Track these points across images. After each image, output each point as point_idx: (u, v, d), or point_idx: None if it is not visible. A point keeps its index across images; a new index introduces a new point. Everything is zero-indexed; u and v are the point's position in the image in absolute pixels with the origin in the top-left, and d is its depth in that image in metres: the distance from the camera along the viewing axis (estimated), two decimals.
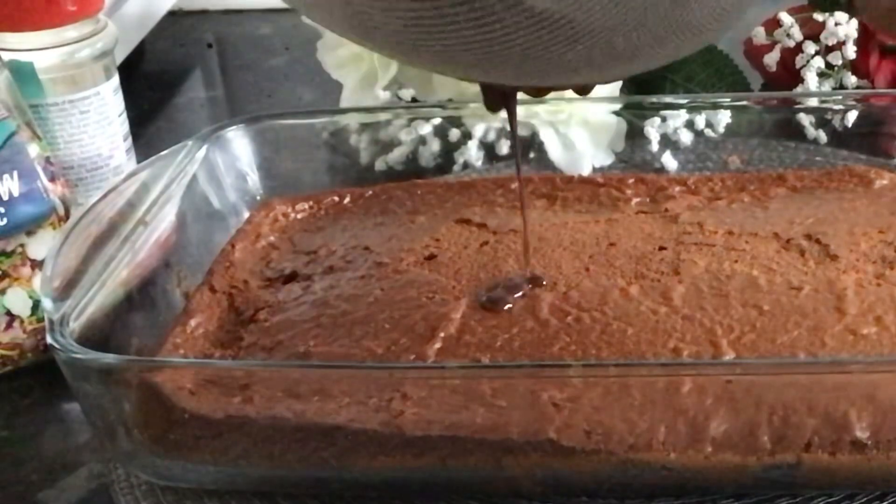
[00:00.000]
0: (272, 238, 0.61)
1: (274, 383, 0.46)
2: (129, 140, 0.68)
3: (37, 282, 0.56)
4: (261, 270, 0.58)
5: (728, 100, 0.67)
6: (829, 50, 0.71)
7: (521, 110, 0.68)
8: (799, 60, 0.71)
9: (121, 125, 0.67)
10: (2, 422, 0.55)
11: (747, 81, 0.75)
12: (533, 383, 0.45)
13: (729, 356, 0.47)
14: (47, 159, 0.58)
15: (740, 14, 0.42)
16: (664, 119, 0.68)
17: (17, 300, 0.57)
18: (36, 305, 0.57)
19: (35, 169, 0.56)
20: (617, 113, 0.68)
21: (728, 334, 0.48)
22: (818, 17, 0.71)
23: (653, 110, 0.68)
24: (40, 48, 0.62)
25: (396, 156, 0.69)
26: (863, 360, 0.46)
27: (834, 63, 0.71)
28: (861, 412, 0.43)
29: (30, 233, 0.57)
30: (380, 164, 0.70)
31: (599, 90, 0.68)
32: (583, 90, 0.52)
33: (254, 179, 0.63)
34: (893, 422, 0.43)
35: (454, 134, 0.69)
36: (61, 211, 0.57)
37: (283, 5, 1.08)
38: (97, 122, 0.65)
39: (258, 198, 0.63)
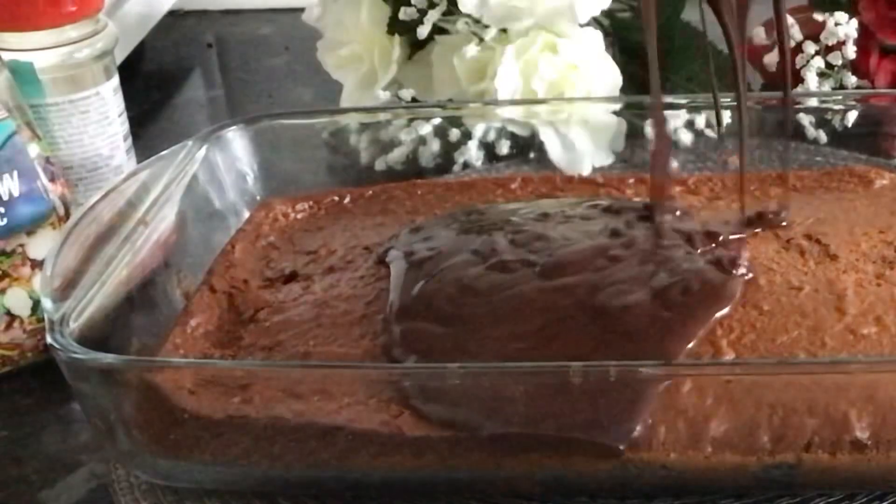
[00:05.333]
0: (272, 238, 0.61)
1: (274, 383, 0.46)
2: (129, 140, 0.68)
3: (37, 282, 0.56)
4: (261, 270, 0.58)
5: (728, 100, 0.67)
6: (829, 50, 0.71)
7: (520, 110, 0.68)
8: (799, 60, 0.71)
9: (121, 125, 0.67)
10: (2, 422, 0.56)
11: (747, 81, 0.75)
12: (533, 383, 0.44)
13: (729, 356, 0.47)
14: (47, 159, 0.58)
15: None
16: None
17: (17, 300, 0.57)
18: (36, 305, 0.57)
19: (35, 169, 0.56)
20: (617, 113, 0.68)
21: (728, 334, 0.48)
22: (818, 17, 0.71)
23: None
24: (40, 48, 0.62)
25: (396, 156, 0.69)
26: (863, 360, 0.46)
27: (834, 63, 0.71)
28: (861, 412, 0.43)
29: (30, 233, 0.57)
30: (380, 164, 0.70)
31: (599, 90, 0.69)
32: None
33: (254, 179, 0.63)
34: (893, 422, 0.43)
35: (454, 134, 0.69)
36: (61, 211, 0.57)
37: (283, 5, 1.08)
38: (97, 122, 0.65)
39: (258, 198, 0.63)
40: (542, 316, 0.48)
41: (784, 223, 0.54)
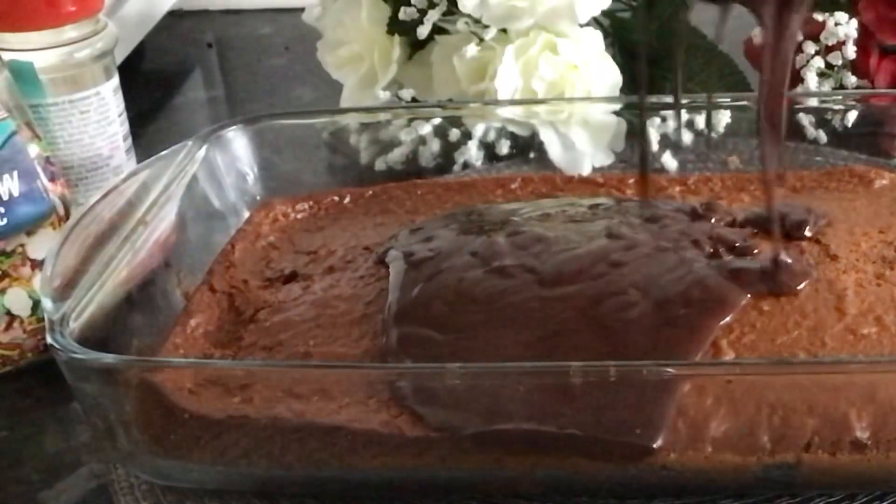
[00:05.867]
0: (272, 238, 0.61)
1: (274, 383, 0.46)
2: (129, 140, 0.68)
3: (37, 282, 0.56)
4: (261, 270, 0.58)
5: (728, 100, 0.67)
6: (829, 50, 0.71)
7: (520, 110, 0.68)
8: (799, 60, 0.71)
9: (121, 125, 0.67)
10: (2, 422, 0.55)
11: (747, 81, 0.75)
12: (534, 384, 0.44)
13: (729, 356, 0.47)
14: (47, 159, 0.58)
15: None
16: (664, 119, 0.68)
17: (17, 300, 0.57)
18: (36, 305, 0.57)
19: (35, 169, 0.56)
20: (617, 113, 0.68)
21: (728, 334, 0.48)
22: (818, 17, 0.71)
23: (653, 110, 0.68)
24: (40, 48, 0.62)
25: (396, 156, 0.69)
26: (863, 360, 0.46)
27: (834, 63, 0.71)
28: (861, 412, 0.43)
29: (30, 233, 0.57)
30: (380, 164, 0.70)
31: (599, 90, 0.69)
32: None
33: (254, 179, 0.63)
34: (893, 422, 0.43)
35: (454, 134, 0.69)
36: (61, 211, 0.57)
37: (283, 5, 1.08)
38: (97, 122, 0.65)
39: (258, 198, 0.63)
40: (543, 326, 0.48)
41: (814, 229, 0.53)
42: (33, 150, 0.57)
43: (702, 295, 0.48)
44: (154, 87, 0.92)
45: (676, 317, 0.47)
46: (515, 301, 0.49)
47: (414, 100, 0.72)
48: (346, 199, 0.64)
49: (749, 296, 0.48)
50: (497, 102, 0.68)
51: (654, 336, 0.46)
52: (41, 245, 0.57)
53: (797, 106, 0.67)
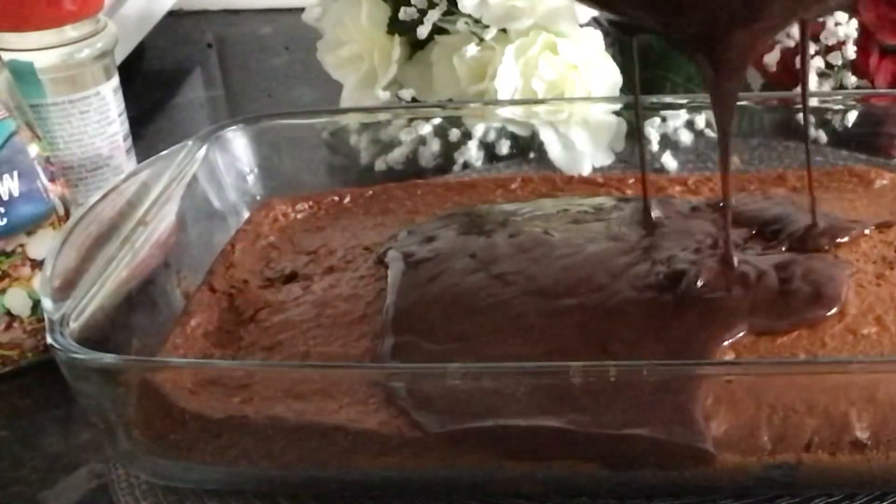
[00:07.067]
0: (272, 238, 0.60)
1: (274, 383, 0.46)
2: (129, 140, 0.68)
3: (37, 282, 0.56)
4: (261, 270, 0.58)
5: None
6: (829, 50, 0.71)
7: (520, 110, 0.68)
8: (799, 60, 0.71)
9: (121, 125, 0.67)
10: (2, 422, 0.55)
11: (747, 81, 0.75)
12: (534, 383, 0.44)
13: (729, 356, 0.47)
14: (47, 159, 0.58)
15: None
16: (664, 119, 0.68)
17: (17, 300, 0.57)
18: (36, 305, 0.57)
19: (35, 169, 0.56)
20: (617, 113, 0.68)
21: None
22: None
23: (653, 110, 0.68)
24: (40, 48, 0.62)
25: (396, 156, 0.69)
26: (863, 360, 0.46)
27: (834, 63, 0.71)
28: (861, 412, 0.43)
29: (30, 233, 0.57)
30: (380, 164, 0.70)
31: (599, 90, 0.69)
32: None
33: (254, 179, 0.63)
34: (893, 422, 0.43)
35: (454, 134, 0.69)
36: (61, 211, 0.57)
37: (283, 5, 1.08)
38: (97, 122, 0.65)
39: (258, 198, 0.63)
40: (542, 342, 0.48)
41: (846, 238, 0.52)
42: (33, 150, 0.57)
43: (707, 316, 0.48)
44: (154, 87, 0.92)
45: (682, 335, 0.47)
46: (514, 313, 0.49)
47: (414, 100, 0.72)
48: (346, 199, 0.64)
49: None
50: (497, 102, 0.68)
51: (659, 354, 0.46)
52: (41, 245, 0.57)
53: (796, 106, 0.67)
